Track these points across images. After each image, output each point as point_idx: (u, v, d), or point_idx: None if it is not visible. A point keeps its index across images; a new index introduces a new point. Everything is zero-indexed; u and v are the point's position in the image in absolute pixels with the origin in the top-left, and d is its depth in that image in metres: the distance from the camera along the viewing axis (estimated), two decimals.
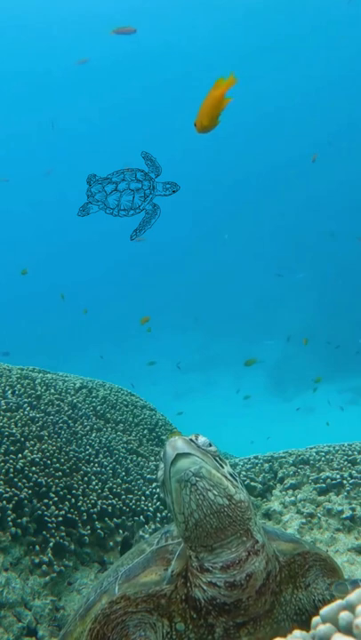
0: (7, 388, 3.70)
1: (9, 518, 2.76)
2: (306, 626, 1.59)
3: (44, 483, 2.99)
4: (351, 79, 26.31)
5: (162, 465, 1.47)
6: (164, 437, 4.12)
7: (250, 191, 27.81)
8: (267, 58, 26.90)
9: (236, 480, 1.51)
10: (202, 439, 1.51)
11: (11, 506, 2.80)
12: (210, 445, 1.52)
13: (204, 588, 1.49)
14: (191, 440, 1.47)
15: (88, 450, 3.45)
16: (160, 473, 1.49)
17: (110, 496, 3.20)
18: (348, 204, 25.20)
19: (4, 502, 2.79)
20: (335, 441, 3.81)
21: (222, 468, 1.49)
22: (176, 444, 1.42)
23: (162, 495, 1.55)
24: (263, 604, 1.52)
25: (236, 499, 1.45)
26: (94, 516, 3.04)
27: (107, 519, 3.09)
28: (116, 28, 9.16)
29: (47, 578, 2.71)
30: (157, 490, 3.43)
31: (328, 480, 3.37)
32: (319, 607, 1.62)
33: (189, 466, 1.40)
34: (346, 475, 3.39)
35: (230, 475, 1.50)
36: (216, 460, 1.49)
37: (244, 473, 3.61)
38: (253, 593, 1.49)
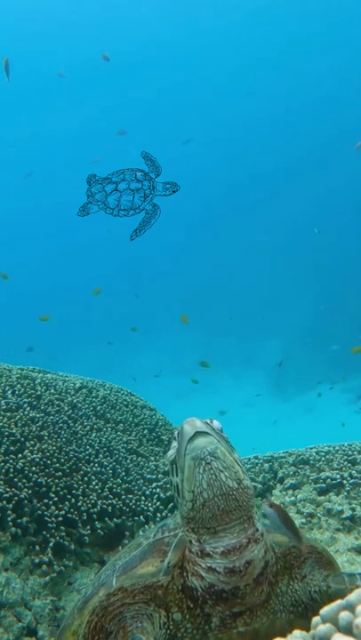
0: (7, 387, 3.70)
1: (9, 518, 2.76)
2: (302, 617, 1.61)
3: (44, 483, 2.99)
4: (354, 80, 26.32)
5: (174, 444, 1.49)
6: (164, 437, 4.12)
7: (250, 191, 27.81)
8: (270, 60, 26.93)
9: (243, 467, 1.54)
10: (216, 423, 1.54)
11: (11, 506, 2.80)
12: (222, 431, 1.55)
13: (203, 574, 1.51)
14: (206, 423, 1.49)
15: (88, 450, 3.44)
16: (171, 452, 1.51)
17: (110, 496, 3.20)
18: (349, 203, 25.22)
19: (4, 502, 2.79)
20: (336, 441, 3.81)
21: (233, 453, 1.51)
22: (195, 422, 1.45)
23: (169, 476, 1.56)
24: (260, 594, 1.54)
25: (244, 484, 1.48)
26: (94, 516, 3.04)
27: (107, 519, 3.09)
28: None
29: (47, 578, 2.71)
30: (157, 490, 3.42)
31: (328, 480, 3.37)
32: (315, 598, 1.65)
33: (206, 445, 1.42)
34: (346, 475, 3.39)
35: (239, 461, 1.53)
36: (228, 445, 1.51)
37: None
38: (251, 581, 1.50)
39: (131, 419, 4.15)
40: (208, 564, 1.49)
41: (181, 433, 1.45)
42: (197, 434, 1.42)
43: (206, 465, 1.41)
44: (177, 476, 1.48)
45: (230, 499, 1.44)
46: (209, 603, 1.52)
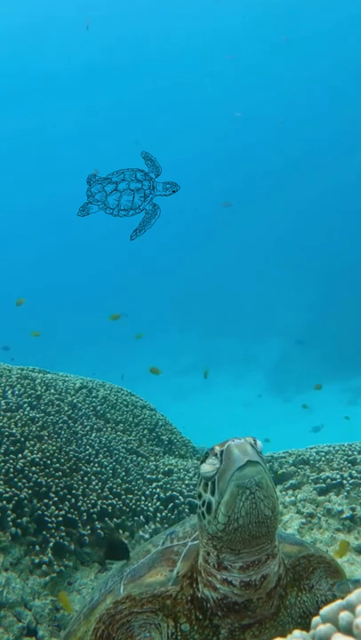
0: (7, 388, 3.70)
1: (9, 518, 2.76)
2: (310, 629, 1.60)
3: (44, 483, 2.99)
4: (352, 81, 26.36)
5: (213, 460, 1.45)
6: (164, 437, 4.12)
7: (250, 191, 27.79)
8: (269, 60, 26.95)
9: (277, 493, 1.53)
10: (260, 445, 1.49)
11: (11, 506, 2.80)
12: (262, 452, 1.50)
13: (218, 585, 1.50)
14: (252, 446, 1.44)
15: (88, 450, 3.44)
16: (209, 468, 1.46)
17: (110, 496, 3.20)
18: (349, 203, 25.22)
19: (4, 502, 2.79)
20: (335, 441, 3.81)
21: (271, 479, 1.49)
22: (246, 448, 1.40)
23: (198, 489, 1.52)
24: (270, 607, 1.53)
25: (276, 511, 1.46)
26: (94, 515, 3.04)
27: (107, 519, 3.09)
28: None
29: (47, 578, 2.71)
30: (157, 490, 3.42)
31: (328, 480, 3.38)
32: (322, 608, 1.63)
33: (255, 475, 1.39)
34: (346, 475, 3.39)
35: (275, 488, 1.50)
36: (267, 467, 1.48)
37: None
38: (264, 594, 1.50)
39: (131, 419, 4.15)
40: (224, 577, 1.48)
41: (230, 456, 1.40)
42: (249, 463, 1.38)
43: (250, 494, 1.38)
44: (213, 495, 1.44)
45: (263, 526, 1.43)
46: (219, 614, 1.51)
